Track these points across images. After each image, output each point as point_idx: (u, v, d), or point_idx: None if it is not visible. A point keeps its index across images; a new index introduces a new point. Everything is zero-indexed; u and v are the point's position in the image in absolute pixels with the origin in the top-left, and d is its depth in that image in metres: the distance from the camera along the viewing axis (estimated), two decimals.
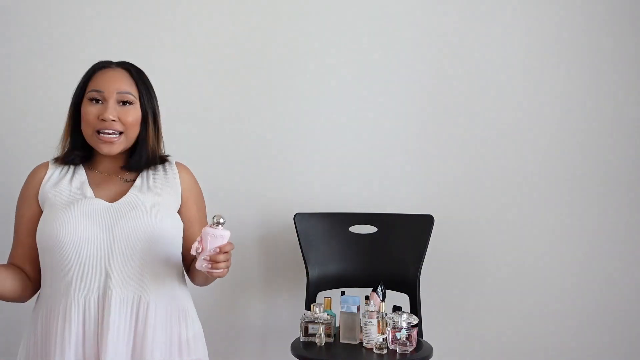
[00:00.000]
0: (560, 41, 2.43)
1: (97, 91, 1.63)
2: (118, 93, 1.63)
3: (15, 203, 1.69)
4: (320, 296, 2.25)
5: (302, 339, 2.08)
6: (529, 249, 2.44)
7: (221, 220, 1.50)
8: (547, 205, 2.43)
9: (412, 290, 2.24)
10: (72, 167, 1.70)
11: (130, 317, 1.54)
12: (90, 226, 1.54)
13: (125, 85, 1.65)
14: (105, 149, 1.63)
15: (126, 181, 1.68)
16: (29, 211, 1.64)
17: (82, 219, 1.55)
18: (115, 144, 1.63)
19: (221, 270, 1.51)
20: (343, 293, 2.21)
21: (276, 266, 2.45)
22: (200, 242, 1.50)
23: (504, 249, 2.44)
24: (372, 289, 2.13)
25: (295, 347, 2.03)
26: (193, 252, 1.51)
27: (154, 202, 1.63)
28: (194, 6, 2.43)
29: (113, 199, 1.63)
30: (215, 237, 1.49)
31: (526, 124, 2.44)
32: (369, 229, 2.34)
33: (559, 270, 2.43)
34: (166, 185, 1.69)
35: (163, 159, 1.75)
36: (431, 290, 2.38)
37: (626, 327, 2.43)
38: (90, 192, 1.63)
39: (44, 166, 1.71)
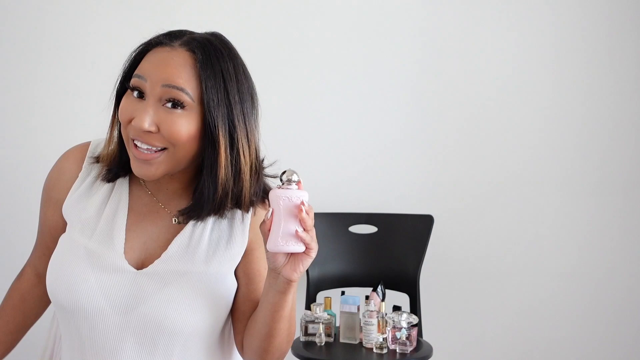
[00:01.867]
0: (559, 40, 2.43)
1: (139, 77, 1.05)
2: (164, 86, 1.03)
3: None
4: (320, 296, 2.25)
5: (302, 339, 2.08)
6: (529, 249, 2.44)
7: (294, 177, 1.03)
8: (547, 205, 2.43)
9: (412, 290, 2.24)
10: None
11: None
12: (102, 303, 1.07)
13: (179, 77, 1.03)
14: (137, 170, 1.05)
15: (177, 221, 1.13)
16: (53, 217, 1.18)
17: (94, 290, 1.08)
18: (153, 165, 1.04)
19: (314, 249, 1.01)
20: (343, 293, 2.21)
21: None
22: (271, 216, 1.01)
23: (504, 248, 2.44)
24: (372, 288, 2.13)
25: (295, 347, 2.03)
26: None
27: (196, 277, 1.09)
28: (194, 6, 2.43)
29: (147, 255, 1.12)
30: (291, 201, 1.01)
31: (526, 124, 2.44)
32: (369, 229, 2.34)
33: (559, 270, 2.43)
34: (225, 245, 1.12)
35: (253, 203, 1.13)
36: (431, 290, 2.38)
37: (626, 326, 2.43)
38: (120, 240, 1.11)
39: (79, 154, 1.18)
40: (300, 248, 1.00)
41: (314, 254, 1.01)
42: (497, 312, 2.44)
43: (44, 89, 2.41)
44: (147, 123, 1.02)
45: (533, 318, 2.44)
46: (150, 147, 1.03)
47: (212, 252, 1.11)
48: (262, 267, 1.14)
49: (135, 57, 1.10)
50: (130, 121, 1.04)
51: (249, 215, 1.14)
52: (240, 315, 1.15)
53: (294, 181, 1.02)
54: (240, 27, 2.44)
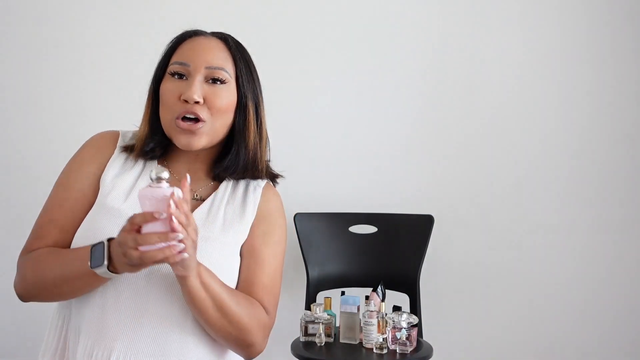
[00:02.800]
0: (559, 40, 2.43)
1: (180, 64, 1.24)
2: (207, 68, 1.23)
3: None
4: (320, 296, 2.25)
5: (302, 339, 2.08)
6: (529, 249, 2.44)
7: (164, 175, 1.03)
8: (548, 205, 2.43)
9: (412, 290, 2.24)
10: (143, 160, 1.29)
11: None
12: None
13: (218, 59, 1.25)
14: (183, 140, 1.21)
15: (196, 198, 1.28)
16: (83, 183, 1.24)
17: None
18: (197, 135, 1.22)
19: (188, 246, 1.05)
20: (343, 293, 2.21)
21: None
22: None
23: (504, 248, 2.44)
24: (372, 289, 2.13)
25: (295, 347, 2.03)
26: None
27: (215, 243, 1.22)
28: (193, 6, 2.43)
29: None
30: (157, 200, 1.02)
31: (526, 124, 2.44)
32: (369, 229, 2.34)
33: (559, 270, 2.43)
34: (239, 218, 1.27)
35: (270, 174, 1.36)
36: (431, 290, 2.38)
37: (626, 326, 2.42)
38: None
39: (112, 139, 1.31)
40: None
41: (187, 252, 1.04)
42: (497, 312, 2.44)
43: (43, 88, 2.42)
44: (196, 94, 1.21)
45: (533, 318, 2.44)
46: (197, 117, 1.21)
47: (229, 224, 1.26)
48: (253, 246, 1.26)
49: (169, 50, 1.28)
50: (179, 97, 1.21)
51: (259, 189, 1.32)
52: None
53: (163, 178, 1.04)
54: (238, 27, 2.44)
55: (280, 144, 2.44)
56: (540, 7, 2.43)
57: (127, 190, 1.23)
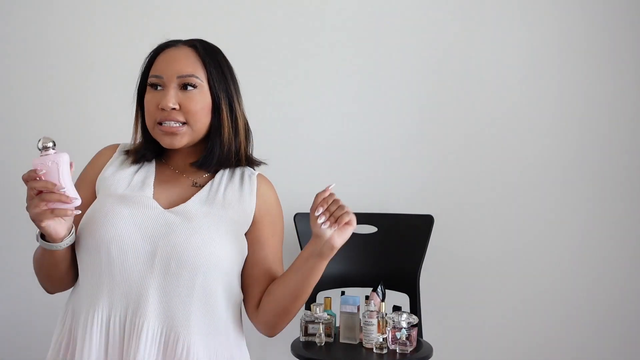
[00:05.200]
0: (560, 40, 2.43)
1: (156, 77, 1.37)
2: (179, 77, 1.35)
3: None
4: (320, 296, 2.25)
5: (302, 339, 2.08)
6: (529, 249, 2.43)
7: (49, 144, 1.19)
8: (548, 205, 2.43)
9: (412, 290, 2.24)
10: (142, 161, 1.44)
11: (160, 358, 1.26)
12: (134, 233, 1.28)
13: (187, 67, 1.36)
14: (166, 141, 1.35)
15: (195, 185, 1.40)
16: (82, 194, 1.30)
17: (127, 221, 1.29)
18: (178, 135, 1.35)
19: None
20: (343, 293, 2.21)
21: None
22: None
23: (504, 248, 2.44)
24: (372, 289, 2.13)
25: (295, 347, 2.03)
26: None
27: (216, 217, 1.33)
28: (193, 6, 2.43)
29: (172, 204, 1.36)
30: (52, 165, 1.17)
31: (526, 124, 2.44)
32: (369, 229, 2.34)
33: (559, 270, 2.43)
34: (238, 200, 1.39)
35: (250, 161, 1.46)
36: (431, 290, 2.38)
37: (625, 326, 2.42)
38: (150, 190, 1.37)
39: (111, 149, 1.47)
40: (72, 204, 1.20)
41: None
42: (497, 312, 2.44)
43: (40, 89, 2.42)
44: (171, 102, 1.33)
45: (533, 318, 2.44)
46: (175, 124, 1.33)
47: (228, 203, 1.37)
48: (263, 237, 1.40)
49: (147, 64, 1.41)
50: (157, 106, 1.34)
51: (254, 177, 1.43)
52: (253, 281, 1.38)
53: (48, 147, 1.18)
54: (238, 26, 2.44)
55: (281, 144, 2.45)
56: (540, 7, 2.43)
57: (126, 182, 1.38)
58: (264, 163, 1.49)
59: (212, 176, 1.42)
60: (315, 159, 2.45)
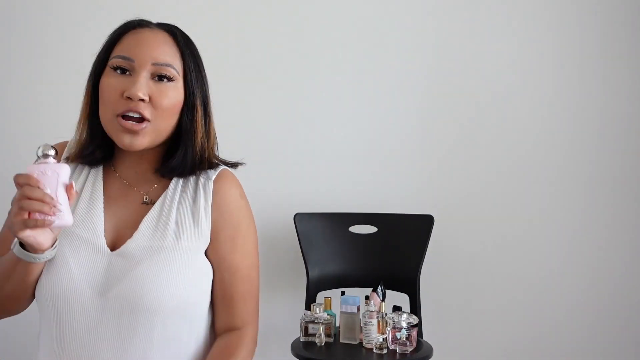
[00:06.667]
0: (556, 46, 2.43)
1: (124, 58, 1.14)
2: (154, 64, 1.14)
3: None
4: (320, 296, 2.25)
5: (302, 339, 2.08)
6: (529, 249, 2.43)
7: (51, 152, 1.06)
8: (547, 205, 2.43)
9: (412, 290, 2.24)
10: (87, 166, 1.24)
11: None
12: (83, 287, 1.11)
13: (165, 55, 1.16)
14: (126, 140, 1.13)
15: (145, 202, 1.21)
16: None
17: (76, 274, 1.11)
18: (139, 135, 1.13)
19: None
20: (343, 293, 2.21)
21: (276, 266, 2.45)
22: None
23: (504, 248, 2.44)
24: (372, 289, 2.13)
25: (295, 347, 2.03)
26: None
27: (167, 252, 1.14)
28: (193, 5, 2.43)
29: (119, 236, 1.17)
30: (48, 176, 1.04)
31: (526, 123, 2.44)
32: (369, 229, 2.34)
33: (559, 270, 2.43)
34: (192, 221, 1.19)
35: (211, 165, 1.25)
36: (431, 290, 2.38)
37: (627, 327, 2.42)
38: (100, 220, 1.17)
39: (59, 150, 1.21)
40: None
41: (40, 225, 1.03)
42: (497, 312, 2.44)
43: (27, 89, 2.42)
44: (141, 92, 1.11)
45: (533, 318, 2.44)
46: (139, 116, 1.12)
47: (181, 227, 1.18)
48: (221, 257, 1.20)
49: (110, 41, 1.18)
50: (121, 94, 1.12)
51: (210, 181, 1.23)
52: (214, 304, 1.23)
53: (49, 155, 1.05)
54: (238, 26, 2.44)
55: (281, 144, 2.45)
56: (540, 7, 2.43)
57: (72, 209, 1.13)
58: (241, 163, 1.29)
59: (165, 186, 1.22)
60: (315, 159, 2.45)
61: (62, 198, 1.04)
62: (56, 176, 1.04)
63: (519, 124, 2.44)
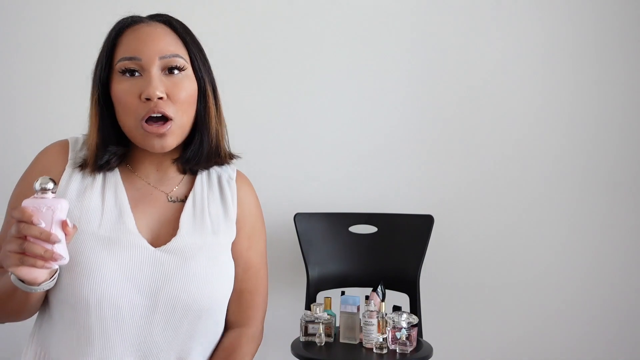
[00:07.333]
0: (555, 44, 2.43)
1: (130, 59, 1.09)
2: (161, 58, 1.10)
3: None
4: (320, 296, 2.25)
5: (302, 339, 2.08)
6: (529, 249, 2.44)
7: (49, 186, 0.98)
8: (547, 206, 2.43)
9: (412, 290, 2.24)
10: (102, 173, 1.17)
11: None
12: (128, 288, 1.08)
13: (170, 45, 1.12)
14: (156, 145, 1.10)
15: (172, 200, 1.19)
16: None
17: (115, 275, 1.07)
18: (167, 136, 1.11)
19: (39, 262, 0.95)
20: (343, 293, 2.21)
21: (276, 266, 2.45)
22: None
23: (504, 249, 2.44)
24: (372, 289, 2.13)
25: (295, 347, 2.03)
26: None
27: (210, 249, 1.15)
28: (193, 5, 2.43)
29: (159, 235, 1.15)
30: (47, 211, 0.97)
31: (526, 124, 2.44)
32: (369, 229, 2.34)
33: (559, 270, 2.43)
34: (224, 218, 1.21)
35: (231, 157, 1.26)
36: (431, 290, 2.38)
37: (627, 327, 2.42)
38: (130, 220, 1.13)
39: (61, 151, 1.18)
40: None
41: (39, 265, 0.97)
42: (497, 312, 2.44)
43: (28, 87, 2.42)
44: (159, 90, 1.08)
45: (533, 318, 2.44)
46: (161, 116, 1.08)
47: (216, 223, 1.19)
48: (239, 252, 1.22)
49: (109, 46, 1.13)
50: (139, 96, 1.08)
51: (233, 181, 1.25)
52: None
53: (48, 189, 0.98)
54: (238, 26, 2.44)
55: (281, 144, 2.45)
56: (539, 7, 2.43)
57: (99, 213, 1.12)
58: (239, 157, 1.28)
59: (190, 183, 1.22)
60: (315, 159, 2.45)
61: (59, 237, 0.97)
62: (51, 212, 0.97)
63: (519, 124, 2.44)
